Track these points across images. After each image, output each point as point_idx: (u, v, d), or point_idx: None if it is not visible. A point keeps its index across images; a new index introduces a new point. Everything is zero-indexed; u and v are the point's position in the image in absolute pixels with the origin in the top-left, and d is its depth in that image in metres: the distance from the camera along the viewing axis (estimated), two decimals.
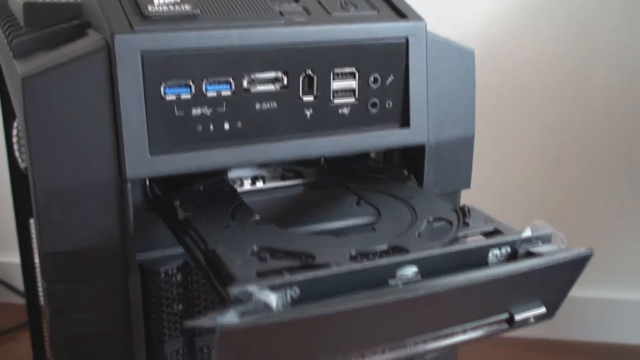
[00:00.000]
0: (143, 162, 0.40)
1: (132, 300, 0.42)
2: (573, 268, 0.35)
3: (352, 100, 0.45)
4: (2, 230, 1.41)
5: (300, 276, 0.31)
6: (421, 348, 0.34)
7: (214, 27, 0.41)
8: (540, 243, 0.36)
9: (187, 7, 0.41)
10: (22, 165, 0.92)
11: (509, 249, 0.35)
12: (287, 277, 0.31)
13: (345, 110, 0.45)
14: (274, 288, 0.30)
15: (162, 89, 0.40)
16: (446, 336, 0.35)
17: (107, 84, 0.39)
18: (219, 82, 0.41)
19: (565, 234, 0.36)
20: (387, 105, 0.46)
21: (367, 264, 0.32)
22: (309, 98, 0.44)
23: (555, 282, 0.36)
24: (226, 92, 0.42)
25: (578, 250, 0.34)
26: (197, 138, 0.41)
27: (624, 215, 1.40)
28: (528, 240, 0.36)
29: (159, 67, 0.40)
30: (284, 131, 0.44)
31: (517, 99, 1.15)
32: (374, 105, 0.45)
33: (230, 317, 0.28)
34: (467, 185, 0.50)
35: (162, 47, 0.40)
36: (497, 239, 0.35)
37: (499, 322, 0.36)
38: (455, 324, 0.35)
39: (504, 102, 1.12)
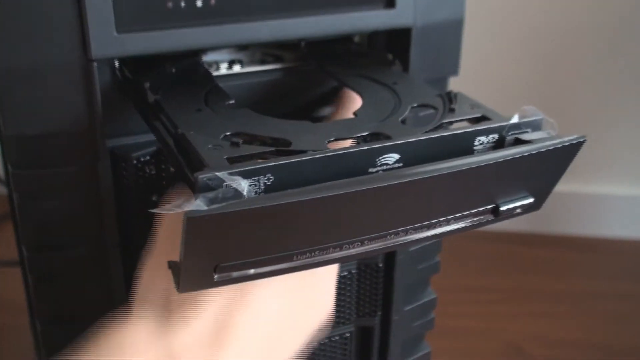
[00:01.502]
0: (109, 40, 0.37)
1: (103, 189, 0.40)
2: (564, 156, 0.33)
3: None
4: None
5: (274, 162, 0.29)
6: (402, 239, 0.33)
7: None
8: (530, 130, 0.34)
9: None
10: None
11: (496, 136, 0.33)
12: (260, 163, 0.29)
13: None
14: (245, 174, 0.28)
15: None
16: (429, 227, 0.33)
17: None
18: None
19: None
20: None
21: (345, 149, 0.30)
22: None
23: (544, 172, 0.34)
24: None
25: (570, 137, 0.32)
26: (167, 15, 0.39)
27: (618, 108, 1.39)
28: (516, 126, 0.34)
29: None
30: (262, 10, 0.41)
31: None
32: None
33: (197, 204, 0.27)
34: (455, 72, 0.48)
35: None
36: (484, 125, 0.33)
37: (484, 212, 0.34)
38: (439, 215, 0.33)
39: None
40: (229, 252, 0.29)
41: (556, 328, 1.22)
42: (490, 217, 0.34)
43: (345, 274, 0.50)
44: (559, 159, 0.33)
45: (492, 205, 0.34)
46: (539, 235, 1.44)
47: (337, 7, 0.42)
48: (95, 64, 0.38)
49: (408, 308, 0.53)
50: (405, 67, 0.45)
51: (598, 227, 1.46)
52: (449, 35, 0.46)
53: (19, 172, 0.39)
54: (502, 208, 0.34)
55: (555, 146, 0.32)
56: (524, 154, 0.31)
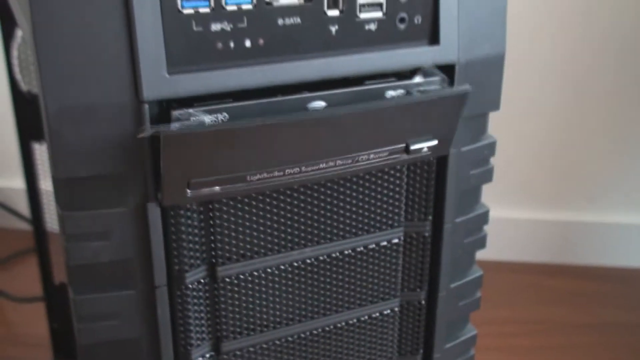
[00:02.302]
0: (160, 81, 0.37)
1: (152, 229, 0.40)
2: (452, 104, 0.43)
3: (379, 14, 0.42)
4: (2, 154, 1.39)
5: (228, 104, 0.39)
6: (332, 169, 0.42)
7: None
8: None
9: None
10: (23, 87, 0.90)
11: (403, 91, 0.43)
12: (218, 104, 0.39)
13: (372, 26, 0.42)
14: (207, 112, 0.38)
15: (179, 0, 0.37)
16: (353, 160, 0.42)
17: None
18: None
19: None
20: (415, 21, 0.43)
21: (283, 97, 0.40)
22: (334, 12, 0.41)
23: (440, 117, 0.43)
24: (247, 6, 0.39)
25: (457, 89, 0.43)
26: (216, 55, 0.39)
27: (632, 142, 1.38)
28: (420, 84, 0.43)
29: None
30: (308, 48, 0.41)
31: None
32: (402, 20, 0.42)
33: (172, 127, 0.37)
34: (496, 107, 0.48)
35: None
36: (394, 83, 0.43)
37: (398, 151, 0.43)
38: (361, 150, 0.42)
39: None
40: (197, 170, 0.38)
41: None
42: (404, 155, 0.43)
43: (388, 312, 0.49)
44: (448, 107, 0.43)
45: (404, 145, 0.43)
46: (563, 266, 1.43)
47: (382, 45, 0.42)
48: (146, 105, 0.37)
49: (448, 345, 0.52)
50: (453, 114, 0.45)
51: (623, 257, 1.45)
52: (490, 71, 0.46)
53: (69, 214, 0.39)
54: (412, 147, 0.43)
55: (445, 95, 0.43)
56: (420, 100, 0.42)
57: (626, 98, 1.33)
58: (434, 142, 0.44)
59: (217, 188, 0.40)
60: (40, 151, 0.97)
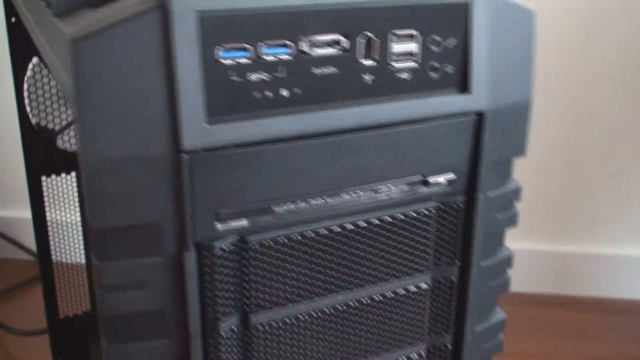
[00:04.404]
0: (200, 132, 0.38)
1: (187, 278, 0.40)
2: (463, 130, 0.44)
3: (412, 64, 0.42)
4: (4, 186, 1.38)
5: None
6: (355, 200, 0.43)
7: None
8: None
9: None
10: (33, 120, 0.90)
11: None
12: None
13: (406, 75, 0.42)
14: None
15: (218, 52, 0.37)
16: (375, 190, 0.43)
17: (161, 47, 0.36)
18: (278, 45, 0.39)
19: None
20: (447, 70, 0.43)
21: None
22: (368, 62, 0.41)
23: (454, 146, 0.45)
24: (285, 56, 0.39)
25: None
26: (254, 105, 0.39)
27: (627, 176, 1.40)
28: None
29: (216, 29, 0.37)
30: (344, 97, 0.41)
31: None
32: (434, 69, 0.43)
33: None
34: (522, 152, 0.48)
35: (220, 6, 0.37)
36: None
37: (417, 184, 0.45)
38: (380, 179, 0.43)
39: None
40: (225, 199, 0.39)
41: None
42: (423, 187, 0.45)
43: (415, 357, 0.49)
44: (457, 134, 0.44)
45: (422, 177, 0.44)
46: (564, 297, 1.43)
47: (415, 93, 0.43)
48: (185, 156, 0.38)
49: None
50: (478, 149, 0.46)
51: (624, 289, 1.45)
52: (517, 118, 0.47)
53: (106, 264, 0.39)
54: (431, 180, 0.44)
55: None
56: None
57: (626, 132, 1.35)
58: (450, 175, 0.45)
59: (244, 221, 0.40)
60: (48, 184, 0.96)
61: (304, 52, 0.39)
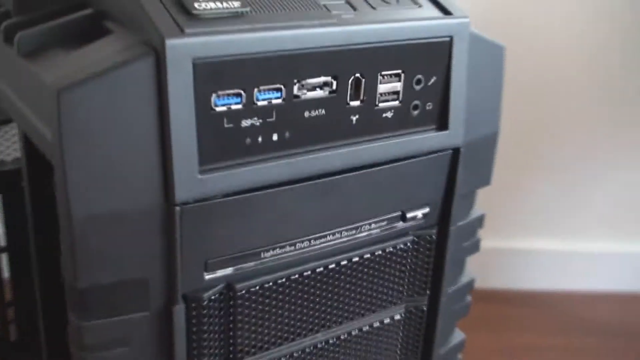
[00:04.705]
0: (193, 183, 0.36)
1: (176, 331, 0.38)
2: (439, 165, 0.45)
3: (395, 103, 0.42)
4: None
5: None
6: (339, 240, 0.43)
7: (267, 29, 0.36)
8: None
9: (235, 3, 0.36)
10: None
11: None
12: None
13: (389, 114, 0.42)
14: None
15: (212, 99, 0.36)
16: (357, 229, 0.43)
17: (153, 96, 0.34)
18: (271, 90, 0.37)
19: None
20: (426, 107, 0.43)
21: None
22: (355, 103, 0.41)
23: (431, 181, 0.45)
24: (277, 100, 0.38)
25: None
26: (245, 151, 0.37)
27: (544, 168, 1.47)
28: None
29: (211, 76, 0.35)
30: (330, 138, 0.40)
31: None
32: (415, 107, 0.43)
33: None
34: (488, 182, 0.49)
35: (215, 53, 0.35)
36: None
37: (396, 220, 0.45)
38: (362, 219, 0.43)
39: None
40: (214, 248, 0.38)
41: None
42: (400, 222, 0.45)
43: None
44: (434, 169, 0.45)
45: (400, 213, 0.45)
46: (475, 291, 1.48)
47: (397, 131, 0.42)
48: (177, 208, 0.36)
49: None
50: (452, 182, 0.46)
51: (529, 281, 1.52)
52: (487, 149, 0.48)
53: (88, 324, 0.36)
54: (408, 215, 0.45)
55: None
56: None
57: (520, 134, 1.40)
58: (427, 210, 0.46)
59: (230, 269, 0.39)
60: None
61: (295, 96, 0.38)
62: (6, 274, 0.98)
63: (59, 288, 0.45)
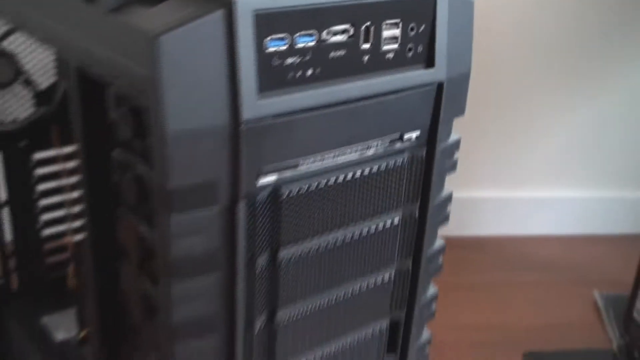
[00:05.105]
0: (253, 106, 0.47)
1: (238, 224, 0.50)
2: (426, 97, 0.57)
3: (395, 46, 0.54)
4: None
5: None
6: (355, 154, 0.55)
7: None
8: None
9: None
10: None
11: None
12: None
13: (390, 55, 0.54)
14: None
15: (265, 42, 0.47)
16: (367, 147, 0.55)
17: (225, 40, 0.45)
18: (307, 35, 0.49)
19: None
20: (418, 50, 0.55)
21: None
22: (366, 45, 0.52)
23: (420, 110, 0.57)
24: (311, 43, 0.49)
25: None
26: (289, 82, 0.49)
27: (488, 122, 1.61)
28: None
29: (265, 24, 0.46)
30: (349, 74, 0.52)
31: None
32: (409, 49, 0.55)
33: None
34: (462, 112, 0.62)
35: (269, 6, 0.46)
36: None
37: (395, 139, 0.56)
38: (370, 138, 0.55)
39: None
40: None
41: (456, 314, 1.42)
42: (399, 142, 0.57)
43: (385, 279, 0.62)
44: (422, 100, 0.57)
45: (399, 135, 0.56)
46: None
47: (396, 69, 0.55)
48: (242, 125, 0.47)
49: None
50: (438, 111, 0.58)
51: (479, 227, 1.67)
52: (463, 85, 0.60)
53: (172, 217, 0.48)
54: (405, 135, 0.56)
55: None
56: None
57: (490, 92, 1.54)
58: (418, 132, 0.59)
59: (276, 176, 0.51)
60: None
61: (324, 40, 0.50)
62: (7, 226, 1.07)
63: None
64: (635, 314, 1.26)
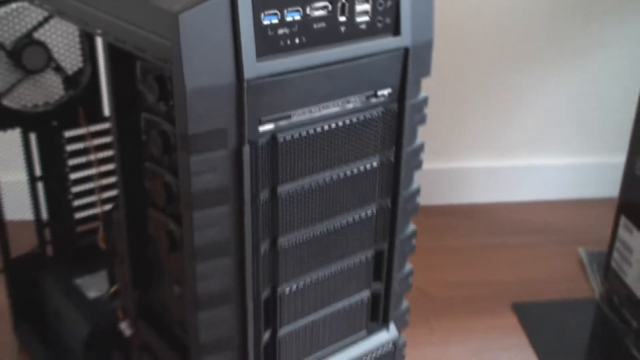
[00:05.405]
0: (252, 67, 0.60)
1: (244, 163, 0.62)
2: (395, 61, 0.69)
3: (366, 18, 0.67)
4: None
5: None
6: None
7: None
8: None
9: None
10: None
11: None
12: None
13: (363, 26, 0.67)
14: None
15: (262, 16, 0.60)
16: (346, 102, 0.67)
17: (230, 15, 0.58)
18: (294, 11, 0.62)
19: None
20: (386, 21, 0.68)
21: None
22: (342, 18, 0.65)
23: (391, 71, 0.69)
24: (297, 17, 0.62)
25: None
26: (281, 49, 0.62)
27: (478, 97, 1.73)
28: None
29: (261, 2, 0.59)
30: (329, 41, 0.65)
31: None
32: (379, 21, 0.68)
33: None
34: (428, 73, 0.75)
35: None
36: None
37: (372, 96, 0.68)
38: (349, 94, 0.67)
39: None
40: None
41: (447, 273, 1.56)
42: (374, 98, 0.68)
43: (367, 214, 0.75)
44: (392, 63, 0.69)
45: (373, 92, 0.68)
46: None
47: (369, 37, 0.67)
48: (245, 83, 0.60)
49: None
50: (405, 71, 0.71)
51: (467, 196, 1.80)
52: (426, 50, 0.73)
53: (193, 158, 0.61)
54: (379, 93, 0.68)
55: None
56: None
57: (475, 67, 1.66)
58: (390, 90, 0.71)
59: (272, 125, 0.64)
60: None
61: (308, 14, 0.63)
62: (42, 199, 1.20)
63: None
64: (612, 263, 1.39)
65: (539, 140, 1.77)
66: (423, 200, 1.71)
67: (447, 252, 1.60)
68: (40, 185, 1.19)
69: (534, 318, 1.37)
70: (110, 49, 0.68)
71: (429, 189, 1.71)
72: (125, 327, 0.90)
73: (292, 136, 0.65)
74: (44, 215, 1.21)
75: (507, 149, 1.77)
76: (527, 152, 1.78)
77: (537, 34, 1.64)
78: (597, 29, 1.66)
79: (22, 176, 1.16)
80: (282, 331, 0.73)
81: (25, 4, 1.03)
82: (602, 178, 1.76)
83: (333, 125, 0.68)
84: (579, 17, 1.64)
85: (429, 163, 1.70)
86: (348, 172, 0.71)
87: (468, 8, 1.57)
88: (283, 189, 0.67)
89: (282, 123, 0.65)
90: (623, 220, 1.34)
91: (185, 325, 0.74)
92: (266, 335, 0.72)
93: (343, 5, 0.65)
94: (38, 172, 1.18)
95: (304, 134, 0.66)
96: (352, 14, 0.65)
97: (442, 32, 1.52)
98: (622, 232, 1.34)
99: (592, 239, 1.62)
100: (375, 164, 0.73)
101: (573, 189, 1.80)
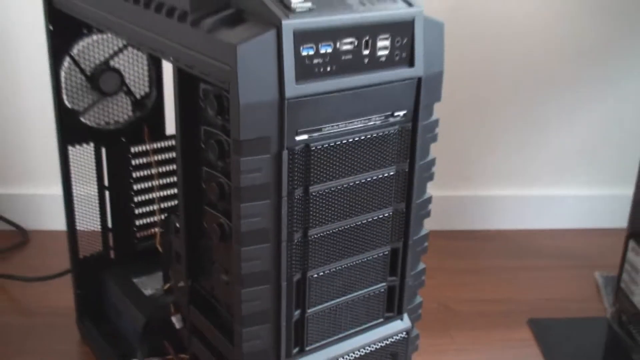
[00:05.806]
0: (293, 88, 0.76)
1: (283, 166, 0.78)
2: (408, 89, 0.84)
3: (386, 52, 0.82)
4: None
5: None
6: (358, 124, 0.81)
7: (322, 16, 0.77)
8: None
9: (308, 4, 0.76)
10: (67, 104, 1.23)
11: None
12: None
13: (383, 59, 0.82)
14: None
15: (301, 49, 0.76)
16: (368, 120, 0.82)
17: (276, 46, 0.74)
18: (327, 44, 0.77)
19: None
20: (403, 55, 0.84)
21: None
22: (366, 52, 0.81)
23: (404, 97, 0.84)
24: (329, 50, 0.78)
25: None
26: (315, 75, 0.78)
27: (500, 128, 1.86)
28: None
29: (300, 38, 0.75)
30: (355, 70, 0.80)
31: None
32: (396, 55, 0.83)
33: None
34: (439, 99, 0.89)
35: (302, 27, 0.75)
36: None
37: (389, 116, 0.83)
38: (368, 115, 0.82)
39: None
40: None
41: (467, 292, 1.68)
42: (391, 118, 0.83)
43: (385, 215, 0.90)
44: (405, 90, 0.83)
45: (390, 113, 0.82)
46: (444, 231, 1.89)
47: (387, 68, 0.83)
48: (286, 101, 0.76)
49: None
50: (418, 97, 0.86)
51: (493, 222, 1.91)
52: (437, 79, 0.88)
53: (243, 159, 0.76)
54: (395, 114, 0.83)
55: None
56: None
57: (491, 98, 1.80)
58: (405, 111, 0.85)
59: (307, 136, 0.79)
60: (74, 154, 1.29)
61: (337, 48, 0.78)
62: (108, 207, 1.37)
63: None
64: (622, 284, 1.50)
65: (562, 170, 1.88)
66: (451, 225, 1.84)
67: (471, 272, 1.72)
68: (106, 195, 1.35)
69: (548, 333, 1.49)
70: (179, 73, 0.85)
71: (457, 214, 1.85)
72: (176, 320, 1.05)
73: (323, 145, 0.81)
74: (109, 222, 1.38)
75: (531, 179, 1.89)
76: (549, 183, 1.89)
77: (566, 59, 1.76)
78: (613, 70, 1.78)
79: (87, 189, 1.31)
80: (310, 311, 0.87)
81: (104, 36, 1.21)
82: (620, 209, 1.86)
83: (357, 139, 0.83)
84: (599, 55, 1.76)
85: (458, 190, 1.84)
86: (368, 178, 0.86)
87: (494, 45, 1.70)
88: (314, 188, 0.82)
89: (315, 135, 0.80)
90: (632, 244, 1.45)
91: (230, 307, 0.89)
92: (296, 313, 0.87)
93: (367, 41, 0.80)
94: (106, 182, 1.35)
95: (332, 144, 0.81)
96: (374, 48, 0.81)
97: (474, 66, 1.67)
98: (630, 254, 1.46)
99: (608, 264, 1.71)
100: (391, 173, 0.88)
101: (591, 218, 1.90)
